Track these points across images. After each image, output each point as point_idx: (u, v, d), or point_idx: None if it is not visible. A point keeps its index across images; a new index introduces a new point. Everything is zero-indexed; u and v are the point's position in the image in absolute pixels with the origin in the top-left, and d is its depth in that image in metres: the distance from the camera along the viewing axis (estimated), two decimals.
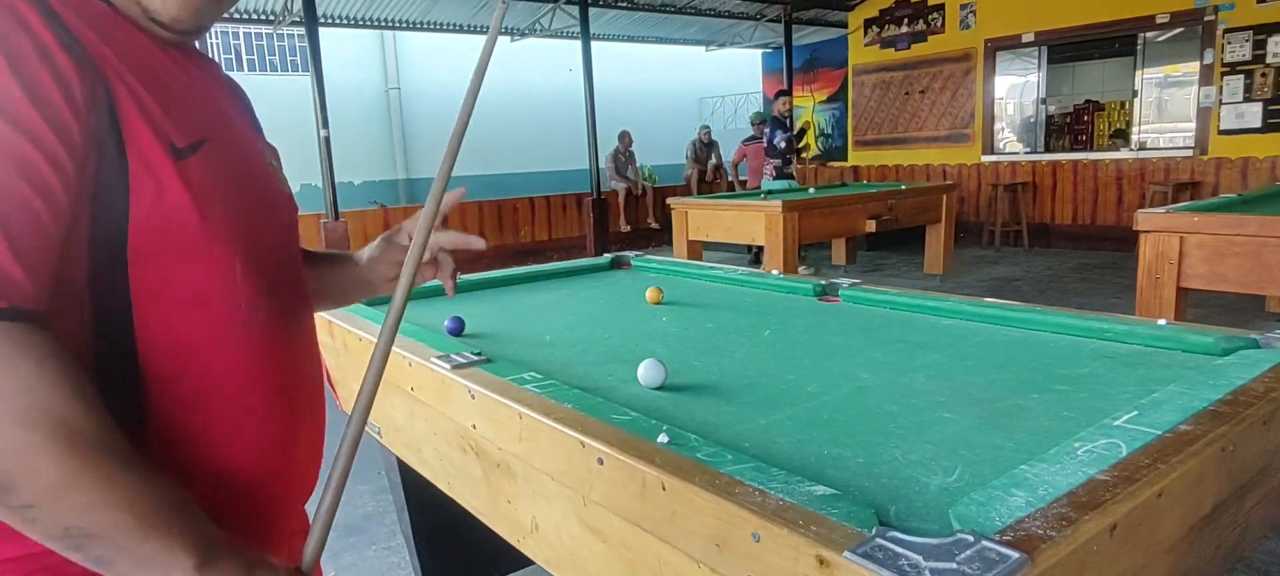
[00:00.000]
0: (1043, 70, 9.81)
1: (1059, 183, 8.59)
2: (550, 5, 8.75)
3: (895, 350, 1.54)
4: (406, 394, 1.60)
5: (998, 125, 9.87)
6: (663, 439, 0.99)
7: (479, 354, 1.44)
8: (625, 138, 10.32)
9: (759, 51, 12.18)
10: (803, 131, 7.74)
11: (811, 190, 7.29)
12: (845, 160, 10.78)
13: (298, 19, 7.18)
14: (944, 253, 6.90)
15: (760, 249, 5.80)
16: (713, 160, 10.74)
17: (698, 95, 14.11)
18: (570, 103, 9.39)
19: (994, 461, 0.96)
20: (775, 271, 2.35)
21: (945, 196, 6.84)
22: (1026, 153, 9.42)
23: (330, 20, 8.68)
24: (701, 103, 14.10)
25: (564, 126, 9.10)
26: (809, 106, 11.51)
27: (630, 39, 10.88)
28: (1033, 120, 10.29)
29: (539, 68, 11.72)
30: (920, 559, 0.67)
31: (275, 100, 10.60)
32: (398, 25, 9.22)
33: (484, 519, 1.46)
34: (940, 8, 9.42)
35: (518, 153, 12.73)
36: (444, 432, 1.53)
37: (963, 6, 9.20)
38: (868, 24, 10.24)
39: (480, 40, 9.30)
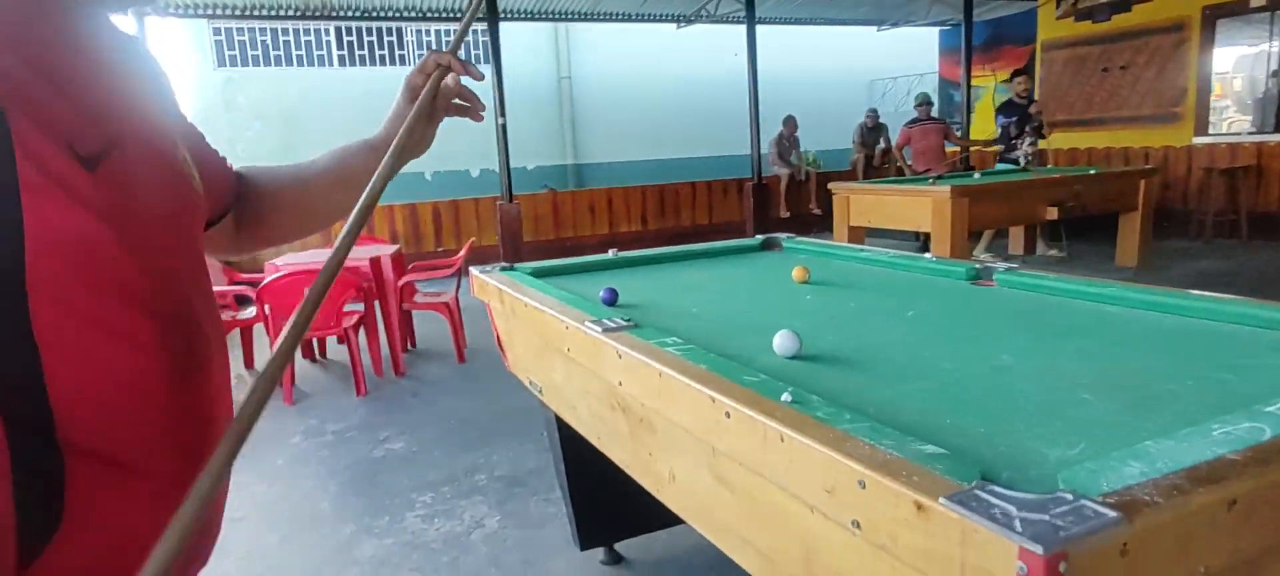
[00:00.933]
0: (1276, 39, 8.58)
1: None
2: None
3: (1044, 333, 1.51)
4: (564, 355, 1.76)
5: (1219, 102, 8.76)
6: (786, 398, 1.06)
7: (628, 320, 1.57)
8: (789, 123, 10.20)
9: (936, 29, 11.55)
10: (1037, 117, 7.25)
11: (977, 175, 6.88)
12: None
13: (482, 16, 7.72)
14: (1139, 243, 6.29)
15: (928, 237, 5.58)
16: (881, 144, 10.37)
17: (869, 78, 13.62)
18: (734, 88, 9.40)
19: (1124, 441, 0.95)
20: (928, 255, 2.31)
21: (1144, 181, 6.23)
22: (1250, 133, 8.30)
23: (509, 15, 9.24)
24: (872, 85, 13.60)
25: (727, 112, 9.15)
26: (990, 86, 10.78)
27: (798, 22, 10.70)
28: (1263, 96, 9.03)
29: (704, 54, 11.81)
30: (1013, 509, 0.71)
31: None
32: (570, 17, 9.65)
33: (629, 470, 1.59)
34: None
35: (682, 139, 12.94)
36: (595, 391, 1.68)
37: None
38: None
39: (647, 29, 9.66)
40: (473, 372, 4.65)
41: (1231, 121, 8.74)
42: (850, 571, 0.91)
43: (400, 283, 4.91)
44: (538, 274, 2.36)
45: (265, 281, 4.15)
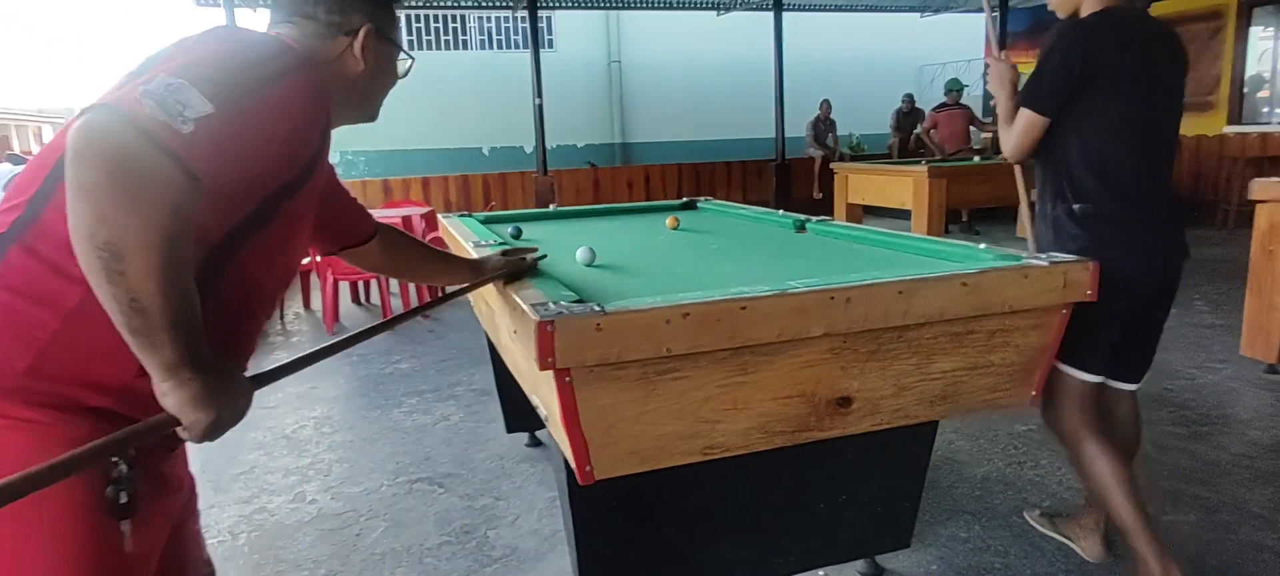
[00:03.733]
0: None
1: None
2: None
3: (782, 256, 2.08)
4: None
5: (1257, 93, 8.66)
6: (537, 298, 1.70)
7: (497, 244, 2.22)
8: (825, 106, 10.57)
9: (983, 16, 11.60)
10: None
11: (976, 159, 7.14)
12: None
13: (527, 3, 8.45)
14: None
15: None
16: (916, 129, 10.61)
17: (918, 63, 13.72)
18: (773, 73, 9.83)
19: (680, 289, 1.54)
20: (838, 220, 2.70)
21: None
22: None
23: (552, 3, 9.94)
24: (922, 71, 13.69)
25: (766, 96, 9.62)
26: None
27: (836, 8, 11.00)
28: None
29: (746, 38, 12.24)
30: (557, 309, 1.33)
31: (510, 73, 12.33)
32: (614, 5, 10.28)
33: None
34: None
35: (723, 120, 13.44)
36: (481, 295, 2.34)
37: None
38: None
39: (692, 16, 10.21)
40: None
41: (1266, 111, 8.62)
42: (518, 364, 1.55)
43: (429, 237, 5.70)
44: (486, 221, 3.04)
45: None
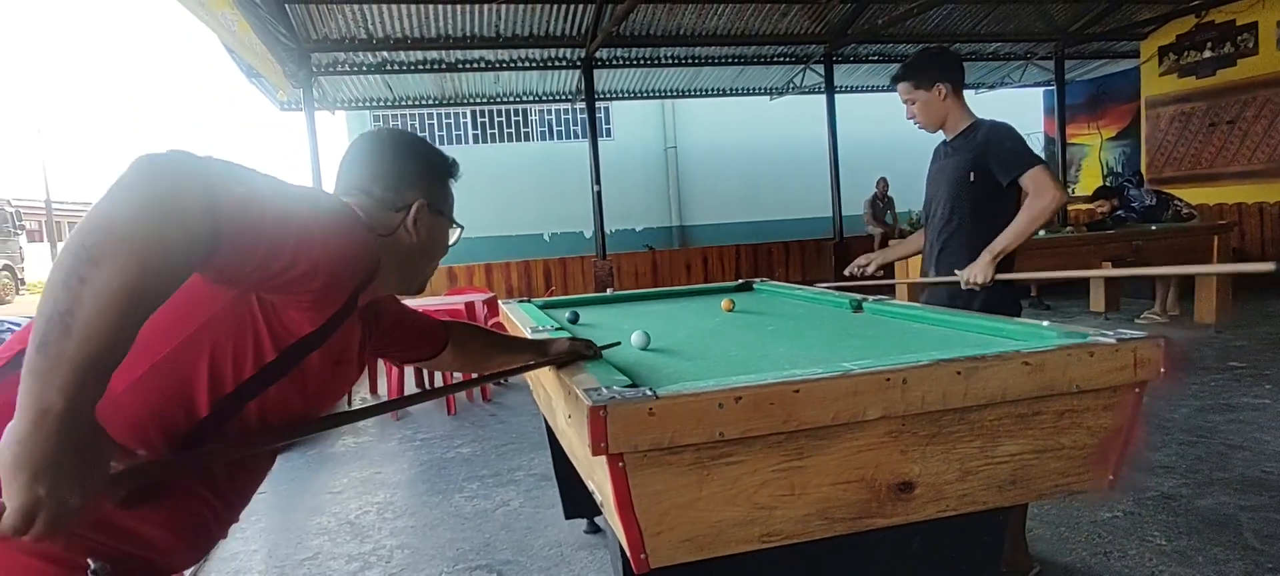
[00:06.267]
0: None
1: None
2: (800, 66, 9.45)
3: (838, 336, 2.06)
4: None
5: None
6: (590, 384, 1.73)
7: (558, 329, 2.26)
8: (882, 184, 10.55)
9: (1041, 89, 11.53)
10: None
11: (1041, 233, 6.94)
12: None
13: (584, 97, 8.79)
14: (1216, 300, 6.18)
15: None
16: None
17: None
18: (827, 153, 9.91)
19: (737, 373, 1.53)
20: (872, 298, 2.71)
21: (1217, 238, 6.16)
22: None
23: (609, 94, 10.31)
24: None
25: (821, 176, 9.68)
26: (1095, 144, 10.62)
27: (884, 89, 11.08)
28: None
29: (798, 122, 12.40)
30: (608, 393, 1.34)
31: (570, 161, 12.73)
32: (669, 94, 10.60)
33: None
34: (1252, 27, 8.30)
35: (778, 201, 13.53)
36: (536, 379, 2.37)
37: None
38: (1163, 52, 9.30)
39: (746, 101, 10.52)
40: None
41: None
42: (574, 449, 1.56)
43: (490, 323, 5.82)
44: (544, 306, 3.11)
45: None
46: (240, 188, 0.87)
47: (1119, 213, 6.77)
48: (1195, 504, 2.91)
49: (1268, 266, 1.83)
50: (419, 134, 1.64)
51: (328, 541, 3.19)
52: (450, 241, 1.40)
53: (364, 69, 8.67)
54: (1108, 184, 7.18)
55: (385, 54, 8.31)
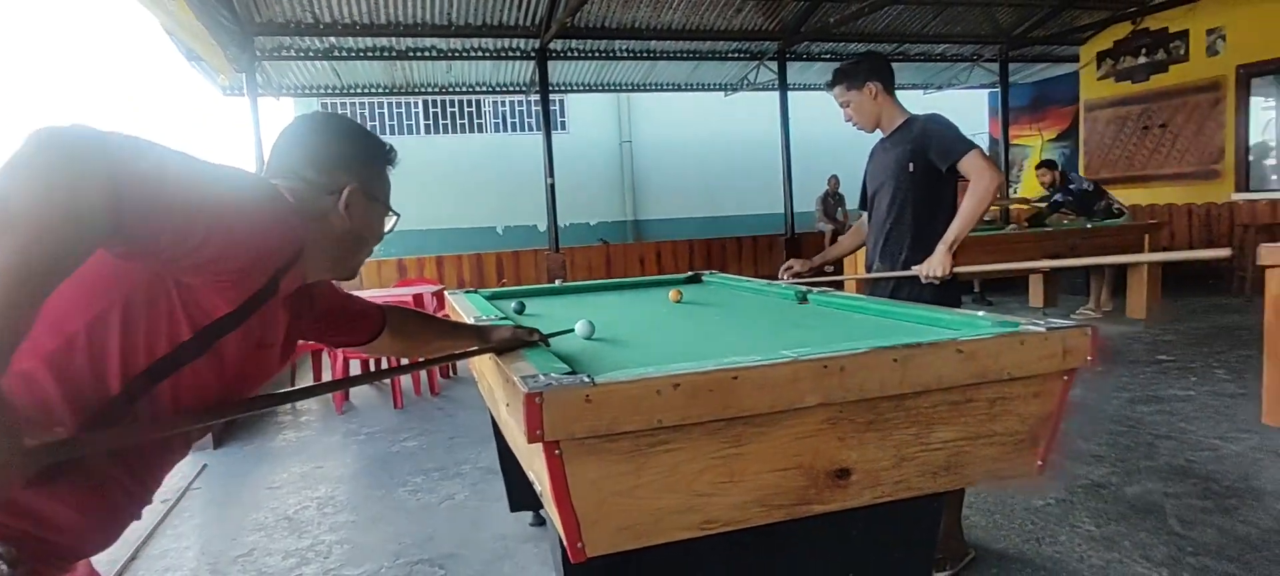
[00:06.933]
0: None
1: None
2: (754, 63, 9.52)
3: (782, 326, 2.07)
4: None
5: (1263, 160, 8.69)
6: (528, 370, 1.70)
7: (500, 321, 2.23)
8: (832, 181, 10.71)
9: (986, 92, 11.82)
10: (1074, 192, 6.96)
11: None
12: None
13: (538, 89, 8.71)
14: (1147, 297, 6.42)
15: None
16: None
17: None
18: (779, 150, 10.01)
19: (676, 359, 1.53)
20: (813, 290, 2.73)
21: (1148, 236, 6.40)
22: None
23: (563, 87, 10.25)
24: None
25: (774, 171, 9.78)
26: (1037, 145, 10.94)
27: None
28: None
29: (753, 119, 12.51)
30: (545, 380, 1.32)
31: (524, 155, 12.63)
32: (624, 88, 10.57)
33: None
34: (1184, 34, 8.64)
35: (732, 196, 13.63)
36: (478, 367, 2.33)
37: (1210, 32, 8.37)
38: (1101, 57, 9.63)
39: (701, 97, 10.56)
40: None
41: (1274, 178, 8.63)
42: (515, 439, 1.54)
43: (439, 314, 5.73)
44: (491, 297, 3.07)
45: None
46: (145, 164, 0.83)
47: (1057, 197, 7.02)
48: (1123, 491, 3.02)
49: (1224, 252, 2.03)
50: (365, 122, 1.59)
51: (264, 537, 3.10)
52: (386, 228, 1.36)
53: (311, 54, 8.45)
54: (1052, 160, 7.44)
55: (333, 39, 8.10)
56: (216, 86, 8.73)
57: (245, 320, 1.04)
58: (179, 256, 0.90)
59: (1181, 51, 8.66)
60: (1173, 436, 3.64)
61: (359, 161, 1.28)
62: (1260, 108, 8.31)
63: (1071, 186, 7.05)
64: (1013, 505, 2.95)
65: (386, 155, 1.34)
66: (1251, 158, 8.34)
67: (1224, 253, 2.08)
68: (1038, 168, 7.35)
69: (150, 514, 3.35)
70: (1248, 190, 8.19)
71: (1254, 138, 8.39)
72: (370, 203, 1.29)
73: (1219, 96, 8.28)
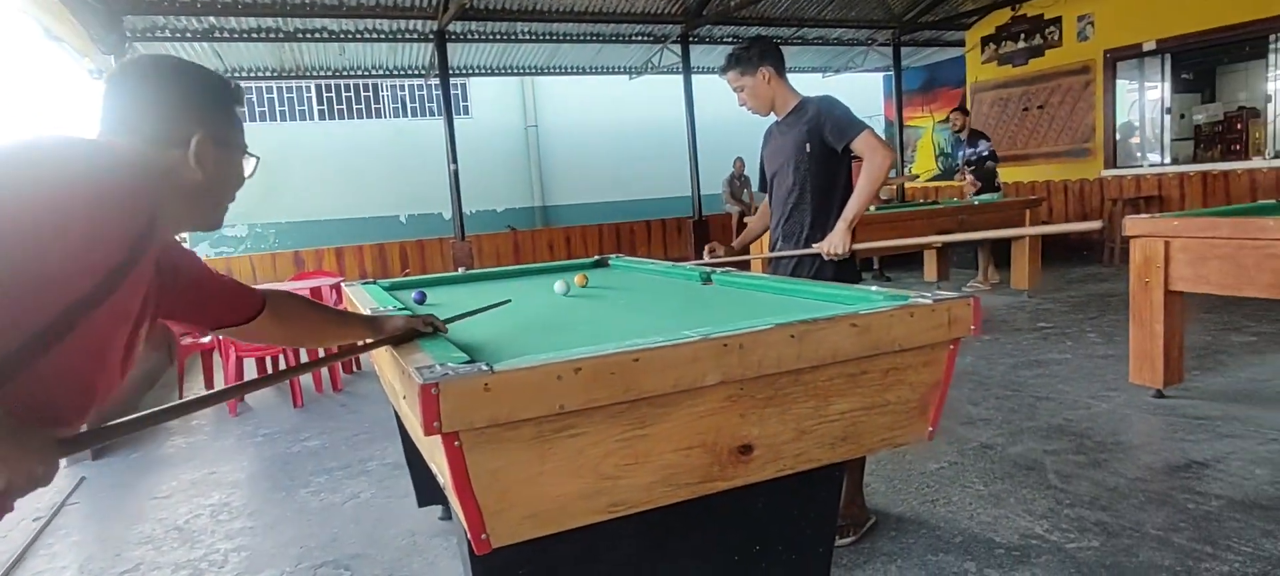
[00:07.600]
0: (1167, 79, 9.24)
1: (1187, 196, 8.10)
2: (658, 46, 9.55)
3: (687, 307, 2.09)
4: None
5: (1129, 139, 9.39)
6: (425, 361, 1.65)
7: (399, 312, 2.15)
8: (738, 164, 10.89)
9: (881, 75, 12.27)
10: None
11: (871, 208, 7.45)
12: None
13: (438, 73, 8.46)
14: (1030, 268, 6.84)
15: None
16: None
17: None
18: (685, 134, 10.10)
19: (580, 343, 1.52)
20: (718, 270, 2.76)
21: (1028, 211, 6.80)
22: (1154, 165, 8.90)
23: (464, 71, 10.00)
24: None
25: (683, 155, 9.86)
26: (928, 126, 11.45)
27: None
28: (1160, 131, 9.64)
29: (657, 103, 12.57)
30: (442, 370, 1.28)
31: (426, 140, 12.28)
32: (527, 71, 10.41)
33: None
34: (1057, 21, 9.20)
35: (641, 180, 13.69)
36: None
37: (1080, 18, 8.94)
38: (985, 42, 10.14)
39: (606, 81, 10.48)
40: None
41: (1135, 155, 9.35)
42: (416, 432, 1.49)
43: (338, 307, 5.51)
44: (391, 288, 2.96)
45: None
46: None
47: (968, 149, 7.38)
48: (1008, 451, 3.21)
49: (1095, 225, 2.27)
50: (252, 107, 1.49)
51: (151, 550, 2.91)
52: (247, 173, 1.27)
53: (188, 35, 7.92)
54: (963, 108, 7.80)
55: (212, 20, 7.62)
56: (83, 69, 8.06)
57: (111, 295, 0.98)
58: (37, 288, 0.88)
59: (1056, 37, 9.22)
60: (1052, 398, 3.90)
61: (203, 107, 1.17)
62: (1125, 90, 8.96)
63: (981, 144, 7.38)
64: (910, 470, 3.09)
65: (233, 94, 1.25)
66: (1118, 137, 8.99)
67: (1095, 225, 2.28)
68: (953, 112, 7.64)
69: (19, 534, 3.09)
70: (1115, 166, 8.83)
71: (1120, 117, 9.05)
72: (223, 149, 1.19)
73: (1089, 80, 8.87)
